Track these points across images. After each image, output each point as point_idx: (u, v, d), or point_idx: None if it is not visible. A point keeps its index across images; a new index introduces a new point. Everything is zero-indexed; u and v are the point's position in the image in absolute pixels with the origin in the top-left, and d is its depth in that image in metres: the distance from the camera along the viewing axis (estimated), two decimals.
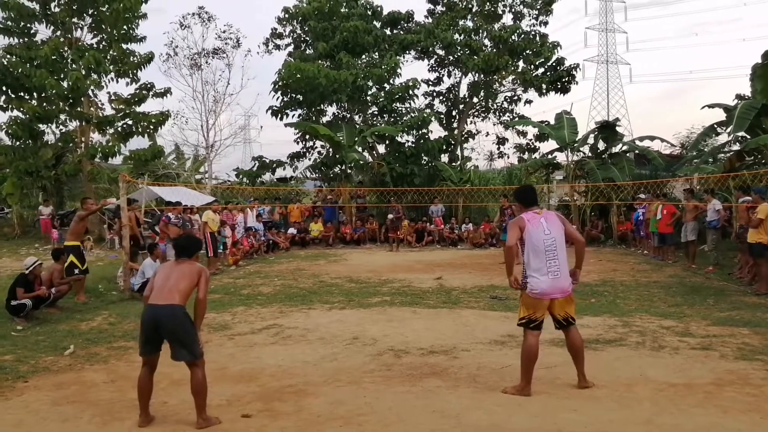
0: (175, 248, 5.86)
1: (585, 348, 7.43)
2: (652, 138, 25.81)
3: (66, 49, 25.55)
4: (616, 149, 25.60)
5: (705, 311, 9.99)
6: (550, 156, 27.34)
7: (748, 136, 19.83)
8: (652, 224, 17.40)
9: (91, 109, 26.29)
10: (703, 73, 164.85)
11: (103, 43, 26.41)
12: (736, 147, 21.71)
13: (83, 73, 24.60)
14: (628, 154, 25.20)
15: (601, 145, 26.05)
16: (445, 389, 6.14)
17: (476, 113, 32.99)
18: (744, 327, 8.61)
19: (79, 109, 25.53)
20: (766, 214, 11.42)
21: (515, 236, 6.04)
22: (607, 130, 25.82)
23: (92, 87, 25.44)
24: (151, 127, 27.10)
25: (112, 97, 26.98)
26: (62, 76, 24.84)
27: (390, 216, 23.05)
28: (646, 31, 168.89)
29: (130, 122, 26.73)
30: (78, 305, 11.38)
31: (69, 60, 25.41)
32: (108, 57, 25.89)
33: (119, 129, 26.61)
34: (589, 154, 26.18)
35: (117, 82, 26.74)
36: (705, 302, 10.82)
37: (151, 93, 27.26)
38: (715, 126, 21.98)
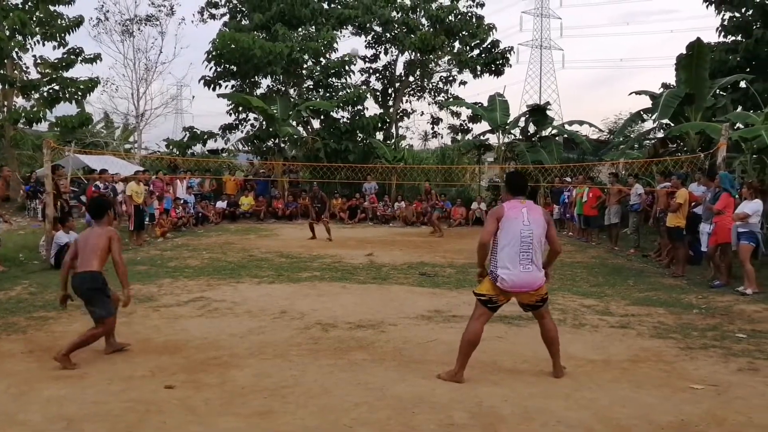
0: (89, 213, 6.96)
1: (509, 324, 7.66)
2: (581, 123, 26.45)
3: None
4: (545, 133, 26.10)
5: (625, 291, 10.34)
6: (482, 137, 27.67)
7: (672, 124, 20.47)
8: (578, 207, 17.87)
9: (15, 72, 25.23)
10: (632, 62, 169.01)
11: (30, 3, 25.29)
12: (660, 134, 22.42)
13: (7, 33, 23.51)
14: (557, 138, 25.72)
15: (532, 128, 26.50)
16: (371, 362, 6.17)
17: (412, 92, 32.99)
18: (660, 307, 8.96)
19: (1, 71, 24.45)
20: (685, 199, 11.89)
21: (491, 230, 5.63)
22: (538, 113, 26.28)
23: (16, 49, 24.37)
24: (79, 93, 26.17)
25: (38, 61, 25.95)
26: None
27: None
28: (581, 18, 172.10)
29: (56, 87, 25.75)
30: None
31: None
32: (34, 18, 24.81)
33: (45, 94, 25.62)
34: (520, 137, 26.61)
35: (43, 45, 25.65)
36: (625, 283, 11.20)
37: (79, 58, 26.33)
38: (642, 113, 22.64)
